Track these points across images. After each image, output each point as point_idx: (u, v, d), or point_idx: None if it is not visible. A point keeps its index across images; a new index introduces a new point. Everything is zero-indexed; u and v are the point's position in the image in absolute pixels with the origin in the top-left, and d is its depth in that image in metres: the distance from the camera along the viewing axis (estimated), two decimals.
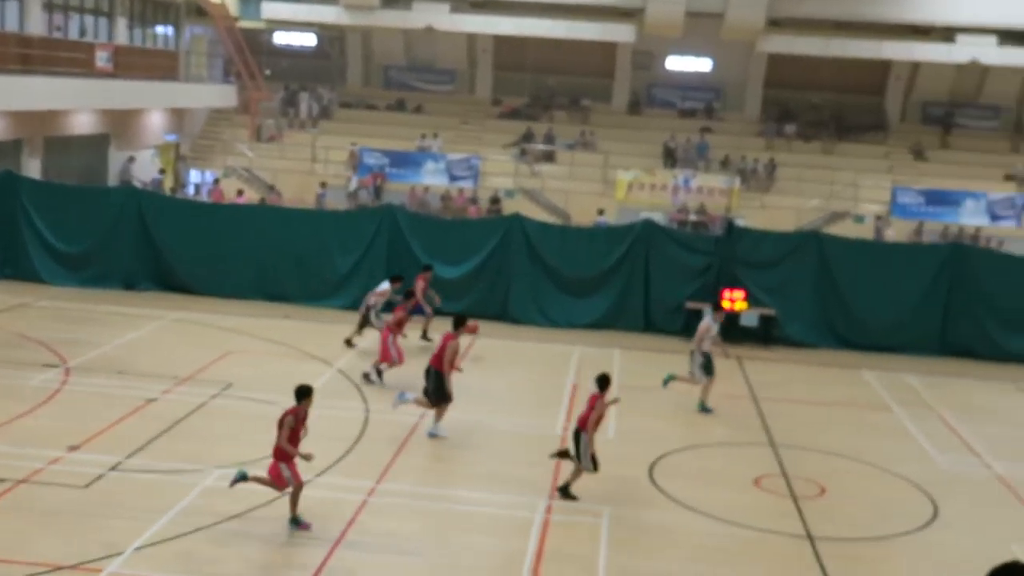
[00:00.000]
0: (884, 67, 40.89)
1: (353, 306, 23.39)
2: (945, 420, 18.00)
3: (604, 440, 15.84)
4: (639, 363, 20.59)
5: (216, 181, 33.69)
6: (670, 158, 37.77)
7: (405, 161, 35.65)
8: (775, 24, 37.59)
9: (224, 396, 16.47)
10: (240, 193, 31.24)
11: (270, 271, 23.63)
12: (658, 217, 30.48)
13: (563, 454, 13.63)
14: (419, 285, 20.49)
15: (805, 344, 22.71)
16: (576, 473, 13.35)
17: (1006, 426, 18.09)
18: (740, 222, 27.55)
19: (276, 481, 11.83)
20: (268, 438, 14.49)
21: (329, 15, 38.37)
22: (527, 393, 17.76)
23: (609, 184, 35.91)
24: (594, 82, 42.10)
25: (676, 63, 42.09)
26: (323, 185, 33.76)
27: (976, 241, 33.64)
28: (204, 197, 31.98)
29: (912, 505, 14.03)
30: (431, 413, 15.56)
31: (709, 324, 17.29)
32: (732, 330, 22.49)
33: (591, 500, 13.34)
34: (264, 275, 23.65)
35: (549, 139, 38.34)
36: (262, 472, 12.08)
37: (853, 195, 35.53)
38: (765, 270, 22.98)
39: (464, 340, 19.05)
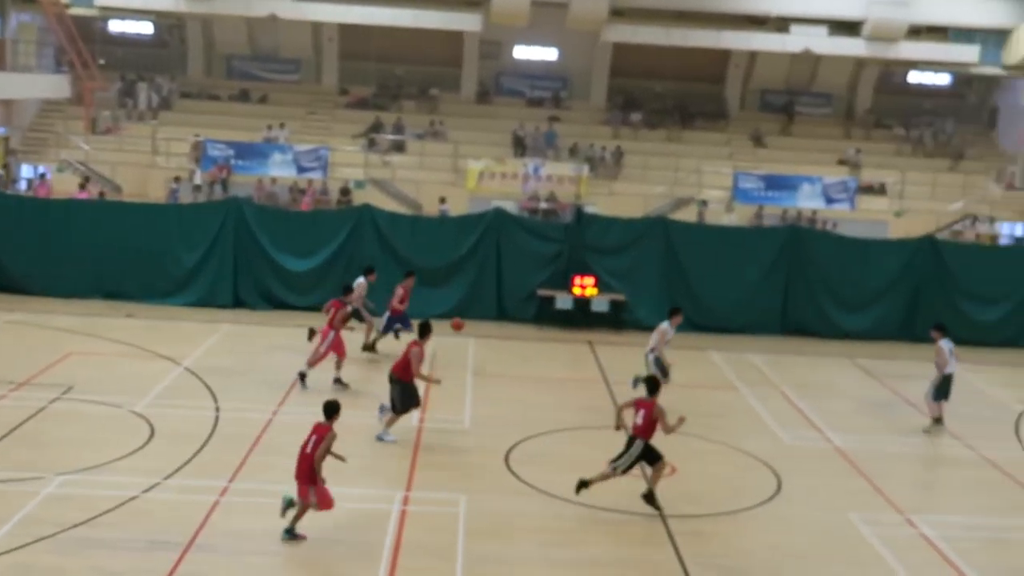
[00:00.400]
0: (724, 56, 42.14)
1: (200, 303, 22.83)
2: (787, 397, 18.74)
3: (459, 429, 15.94)
4: (493, 351, 20.74)
5: (43, 176, 32.32)
6: (520, 147, 38.08)
7: (251, 153, 34.93)
8: (618, 14, 38.29)
9: (65, 399, 15.86)
10: (82, 187, 30.02)
11: (109, 269, 22.83)
12: (509, 206, 30.67)
13: (583, 485, 13.19)
14: (398, 292, 19.75)
15: (654, 327, 23.22)
16: (657, 473, 13.16)
17: (843, 400, 18.96)
18: (589, 209, 28.02)
19: (321, 503, 11.73)
20: (117, 441, 14.03)
21: (166, 2, 37.20)
22: (383, 385, 17.68)
23: (460, 173, 35.97)
24: (442, 71, 42.07)
25: (523, 52, 42.43)
26: (177, 180, 32.72)
27: (813, 224, 35.07)
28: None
29: (758, 480, 14.58)
30: None
31: (667, 329, 17.36)
32: (583, 316, 22.90)
33: (448, 489, 13.39)
34: (103, 273, 22.84)
35: (398, 129, 38.16)
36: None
37: (697, 181, 36.55)
38: (614, 256, 23.45)
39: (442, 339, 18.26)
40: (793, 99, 42.66)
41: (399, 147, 37.45)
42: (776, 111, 42.82)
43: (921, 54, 37.98)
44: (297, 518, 11.83)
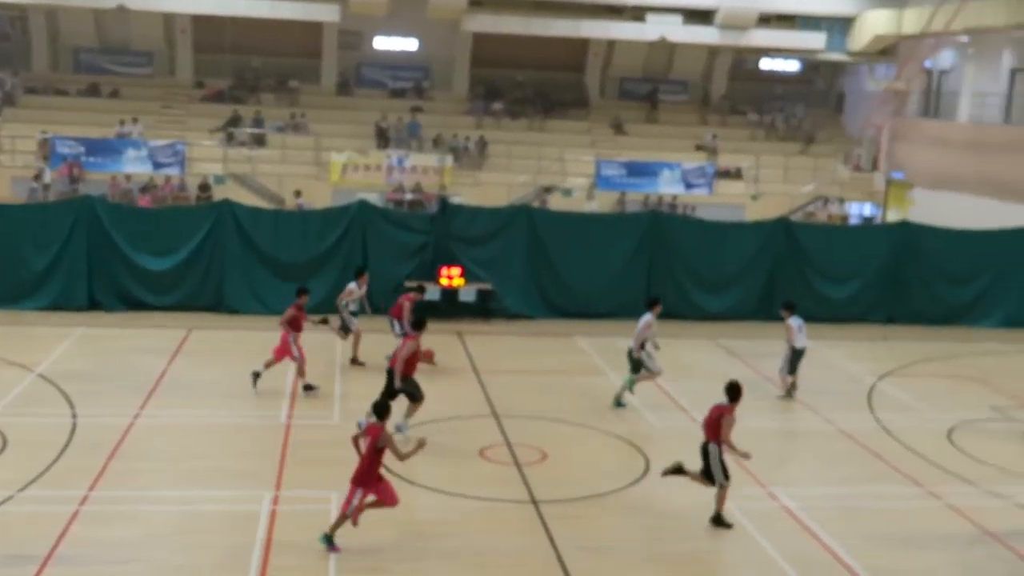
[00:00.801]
0: (583, 45, 42.66)
1: (53, 306, 22.00)
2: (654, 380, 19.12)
3: (328, 424, 15.77)
4: (360, 344, 20.57)
5: None
6: (383, 138, 37.81)
7: (103, 149, 33.75)
8: (478, 3, 38.34)
9: None
10: None
11: None
12: (374, 198, 30.45)
13: (677, 470, 13.18)
14: (405, 305, 19.03)
15: (522, 315, 23.46)
16: (721, 495, 12.92)
17: (708, 381, 19.43)
18: (454, 199, 28.06)
19: (384, 499, 11.63)
20: None
21: None
22: (248, 384, 17.35)
23: (323, 167, 35.52)
24: (301, 63, 41.42)
25: (384, 43, 42.10)
26: (36, 178, 31.31)
27: (673, 209, 35.87)
28: None
29: (626, 462, 14.85)
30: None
31: (650, 321, 17.41)
32: (451, 306, 22.92)
33: (319, 486, 13.25)
34: None
35: (258, 122, 37.42)
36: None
37: (560, 169, 36.94)
38: (480, 245, 23.52)
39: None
40: (657, 87, 43.45)
41: (259, 141, 36.74)
42: (635, 99, 43.58)
43: (771, 41, 39.18)
44: (336, 525, 11.60)
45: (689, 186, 37.09)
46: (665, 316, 24.10)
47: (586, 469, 14.51)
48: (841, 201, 38.70)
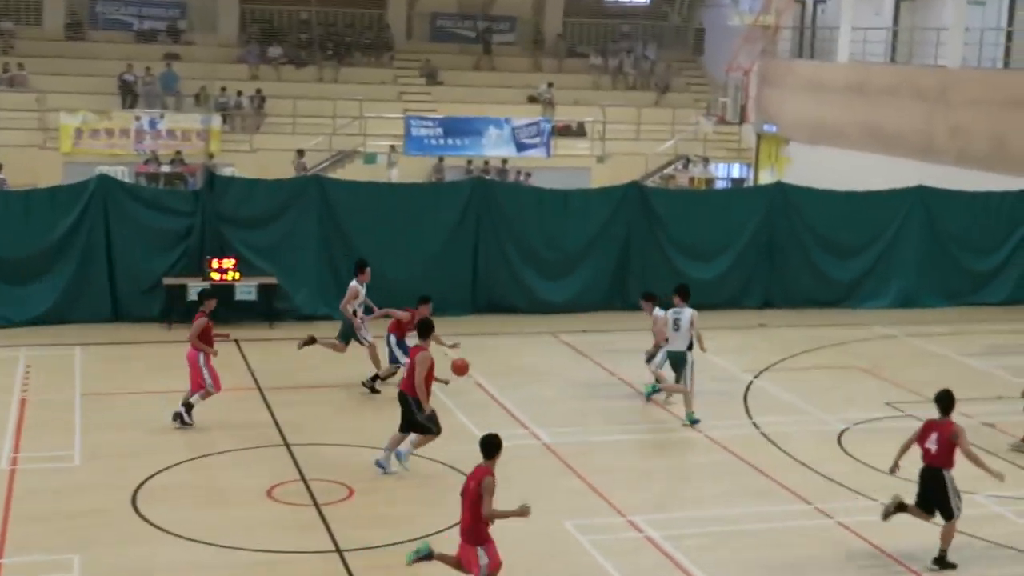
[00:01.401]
0: None
1: None
2: (484, 387, 19.18)
3: (67, 467, 15.21)
4: (106, 362, 19.98)
5: None
6: (128, 95, 36.79)
7: None
8: None
9: None
10: None
11: None
12: (119, 172, 29.57)
13: (900, 507, 13.18)
14: (405, 317, 18.51)
15: (316, 316, 23.16)
16: (949, 531, 13.01)
17: (550, 386, 19.67)
18: (225, 171, 27.51)
19: (468, 567, 11.31)
20: None
21: None
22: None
23: (50, 133, 34.37)
24: (14, 1, 39.92)
25: None
26: None
27: (503, 175, 36.17)
28: None
29: (456, 492, 14.81)
30: None
31: (666, 317, 18.09)
32: (225, 307, 22.42)
33: (55, 548, 12.74)
34: None
35: None
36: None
37: (360, 129, 36.71)
38: (259, 229, 23.12)
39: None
40: (487, 25, 43.51)
41: None
42: (452, 40, 43.68)
43: None
44: None
45: (521, 147, 37.48)
46: (496, 309, 24.45)
47: (406, 505, 14.42)
48: (705, 161, 39.88)
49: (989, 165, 31.45)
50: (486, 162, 36.95)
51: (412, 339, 16.52)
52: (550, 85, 41.31)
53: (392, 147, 36.31)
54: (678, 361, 18.18)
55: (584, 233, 25.02)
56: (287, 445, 16.30)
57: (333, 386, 19.13)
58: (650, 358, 18.99)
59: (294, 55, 40.85)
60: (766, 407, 18.87)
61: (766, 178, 38.64)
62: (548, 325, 23.68)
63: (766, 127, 40.31)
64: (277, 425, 17.12)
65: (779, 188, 26.89)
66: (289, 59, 40.62)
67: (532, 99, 40.91)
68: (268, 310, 22.99)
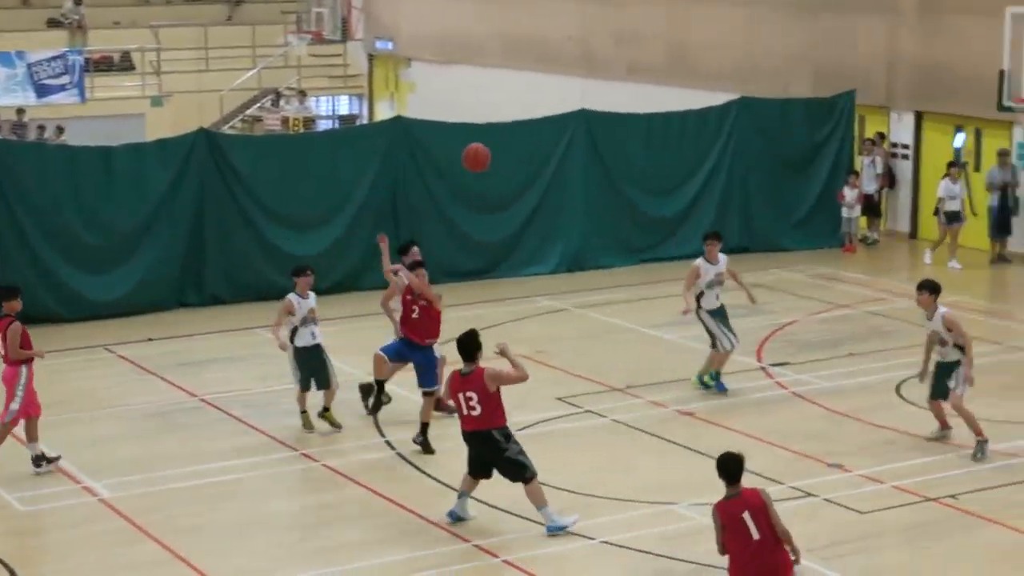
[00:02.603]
0: None
1: None
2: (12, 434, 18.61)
3: None
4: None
5: None
6: None
7: None
8: None
9: None
10: None
11: None
12: None
13: None
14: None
15: None
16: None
17: (108, 420, 19.31)
18: None
19: None
20: None
21: None
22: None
23: None
24: None
25: None
26: None
27: (22, 132, 35.09)
28: None
29: None
30: None
31: (701, 266, 19.75)
32: None
33: None
34: None
35: None
36: None
37: None
38: None
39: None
40: None
41: None
42: None
43: None
44: None
45: (43, 91, 36.50)
46: (30, 319, 23.71)
47: None
48: (302, 95, 39.96)
49: (666, 77, 32.93)
50: None
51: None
52: (78, 2, 40.35)
53: None
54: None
55: (140, 206, 24.63)
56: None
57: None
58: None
59: None
60: (401, 420, 19.09)
61: (385, 112, 39.10)
62: (99, 335, 23.22)
63: (379, 45, 40.76)
64: None
65: (400, 125, 27.23)
66: None
67: (54, 23, 39.86)
68: None
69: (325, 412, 18.63)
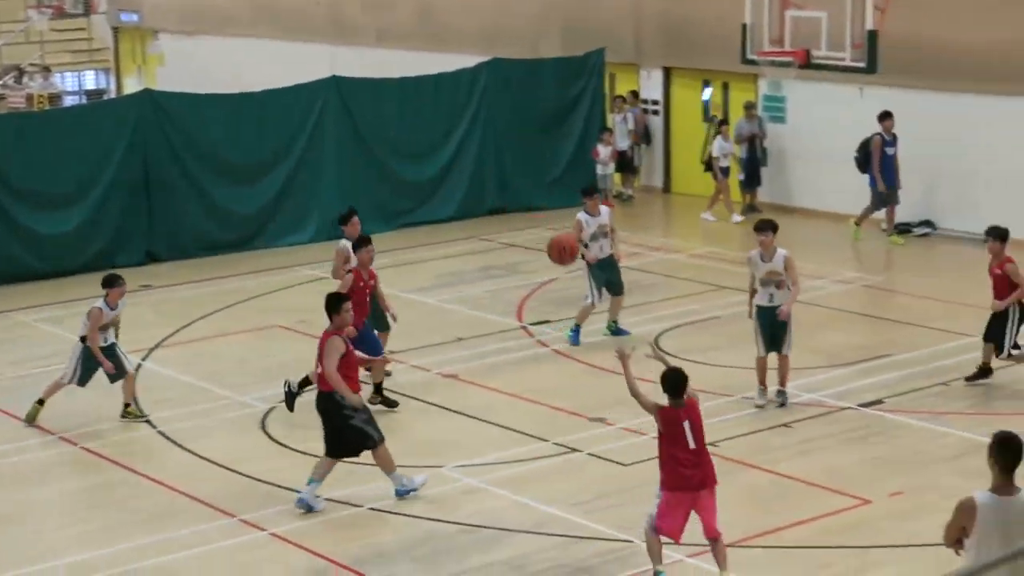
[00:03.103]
0: None
1: None
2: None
3: None
4: None
5: None
6: None
7: None
8: None
9: None
10: None
11: None
12: None
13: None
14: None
15: None
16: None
17: None
18: None
19: None
20: None
21: None
22: None
23: None
24: None
25: None
26: None
27: None
28: None
29: None
30: None
31: (584, 219, 19.98)
32: None
33: None
34: None
35: None
36: None
37: None
38: None
39: None
40: None
41: None
42: None
43: None
44: None
45: None
46: None
47: None
48: (46, 71, 39.12)
49: (416, 42, 32.95)
50: None
51: None
52: None
53: None
54: None
55: None
56: None
57: None
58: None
59: None
60: (163, 397, 18.88)
61: (134, 87, 38.46)
62: None
63: (124, 17, 40.08)
64: None
65: (148, 98, 26.79)
66: None
67: None
68: None
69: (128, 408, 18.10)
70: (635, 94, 30.98)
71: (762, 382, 17.63)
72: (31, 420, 17.83)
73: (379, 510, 15.05)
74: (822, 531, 14.30)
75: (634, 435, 16.74)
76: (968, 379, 18.25)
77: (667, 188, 31.26)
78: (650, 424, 17.09)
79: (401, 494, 15.25)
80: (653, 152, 31.30)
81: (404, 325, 19.23)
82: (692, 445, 12.67)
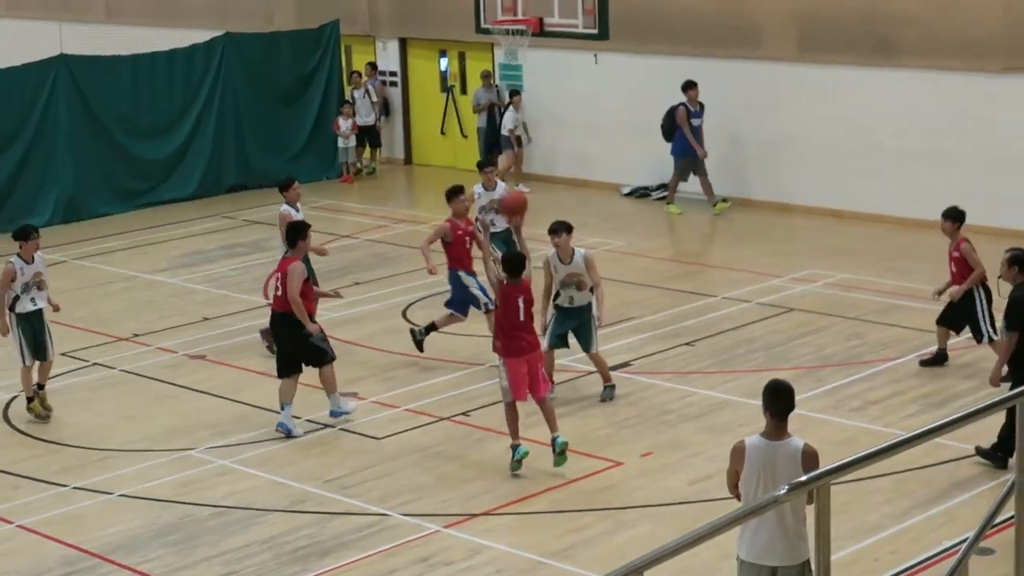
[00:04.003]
0: None
1: None
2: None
3: None
4: None
5: None
6: None
7: None
8: None
9: None
10: None
11: None
12: None
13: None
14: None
15: None
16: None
17: None
18: None
19: None
20: None
21: None
22: None
23: None
24: None
25: None
26: None
27: None
28: None
29: None
30: None
31: (479, 192, 20.00)
32: None
33: None
34: None
35: None
36: None
37: None
38: None
39: None
40: None
41: None
42: None
43: None
44: None
45: None
46: None
47: None
48: None
49: (146, 18, 32.43)
50: None
51: None
52: None
53: None
54: None
55: None
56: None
57: None
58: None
59: None
60: None
61: None
62: None
63: None
64: None
65: None
66: None
67: None
68: None
69: (40, 389, 17.20)
70: (373, 66, 30.90)
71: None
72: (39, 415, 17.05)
73: (130, 496, 14.87)
74: (576, 494, 14.53)
75: (387, 408, 16.81)
76: (923, 363, 17.75)
77: (408, 160, 31.31)
78: (404, 396, 17.27)
79: (335, 415, 16.59)
80: (393, 124, 31.31)
81: (147, 307, 18.93)
82: (522, 318, 14.89)
